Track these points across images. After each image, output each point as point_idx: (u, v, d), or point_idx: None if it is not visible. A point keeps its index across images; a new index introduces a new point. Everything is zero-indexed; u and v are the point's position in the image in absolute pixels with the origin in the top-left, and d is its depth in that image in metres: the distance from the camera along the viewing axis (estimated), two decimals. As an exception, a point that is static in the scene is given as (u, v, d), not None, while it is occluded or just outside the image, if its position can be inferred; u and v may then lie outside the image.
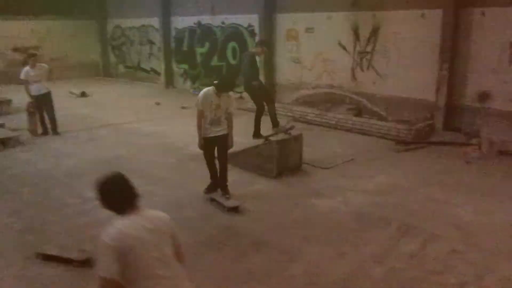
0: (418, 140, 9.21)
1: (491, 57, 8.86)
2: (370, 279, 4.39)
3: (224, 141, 6.17)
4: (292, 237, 5.25)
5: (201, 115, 5.98)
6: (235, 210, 5.90)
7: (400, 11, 10.16)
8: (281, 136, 7.44)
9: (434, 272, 4.47)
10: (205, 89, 6.04)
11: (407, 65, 10.22)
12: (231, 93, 6.21)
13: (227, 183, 6.40)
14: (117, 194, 2.72)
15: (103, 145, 9.32)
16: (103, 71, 20.62)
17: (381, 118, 10.66)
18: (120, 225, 2.64)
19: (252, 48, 9.55)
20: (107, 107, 13.19)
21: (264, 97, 9.15)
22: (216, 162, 6.44)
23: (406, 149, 8.75)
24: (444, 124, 9.52)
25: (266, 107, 9.44)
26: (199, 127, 6.05)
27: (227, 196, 6.23)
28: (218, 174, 6.35)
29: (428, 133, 9.50)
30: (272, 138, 7.40)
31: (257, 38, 13.36)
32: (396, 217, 5.75)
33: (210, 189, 6.43)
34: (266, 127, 9.35)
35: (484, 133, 8.96)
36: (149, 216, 2.77)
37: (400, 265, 4.60)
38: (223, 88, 5.97)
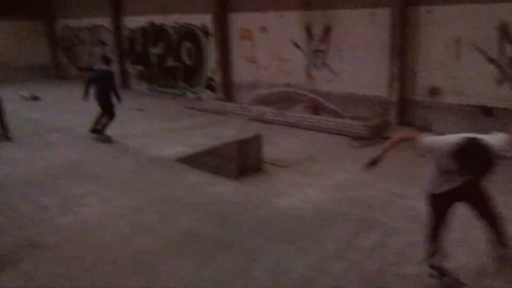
0: (374, 136, 9.47)
1: (439, 53, 9.23)
2: (332, 274, 4.48)
3: (475, 187, 3.82)
4: (255, 237, 5.28)
5: (413, 143, 3.98)
6: None
7: (351, 10, 10.39)
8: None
9: (394, 264, 4.62)
10: (453, 139, 3.61)
11: (359, 62, 10.48)
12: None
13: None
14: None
15: (59, 150, 9.02)
16: (54, 73, 19.94)
17: (337, 115, 10.88)
18: None
19: (103, 66, 9.80)
20: (60, 110, 12.77)
21: (112, 110, 9.60)
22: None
23: (363, 145, 8.98)
24: (398, 119, 9.84)
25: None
26: (393, 143, 4.22)
27: None
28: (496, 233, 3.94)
29: (383, 128, 9.79)
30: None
31: (210, 38, 13.34)
32: (356, 212, 5.89)
33: (434, 255, 4.21)
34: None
35: (436, 127, 9.34)
36: None
37: (361, 259, 4.73)
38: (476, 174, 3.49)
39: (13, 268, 4.75)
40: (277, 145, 8.99)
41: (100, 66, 9.98)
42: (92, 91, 9.57)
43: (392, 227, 5.44)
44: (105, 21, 16.89)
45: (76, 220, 5.83)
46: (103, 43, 17.53)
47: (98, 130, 9.69)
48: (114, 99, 9.62)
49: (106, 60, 10.04)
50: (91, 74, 10.31)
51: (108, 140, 9.61)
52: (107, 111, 9.59)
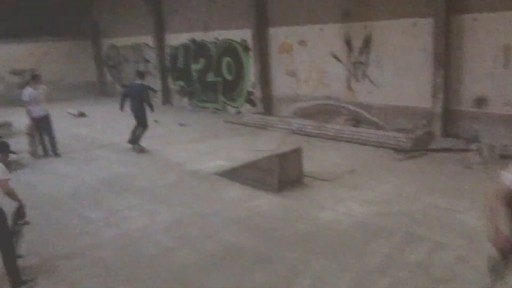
0: (417, 147, 9.21)
1: (485, 61, 8.91)
2: (377, 291, 4.35)
3: None
4: (296, 251, 5.21)
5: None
6: None
7: (391, 21, 10.23)
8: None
9: (442, 281, 4.43)
10: None
11: (401, 73, 10.27)
12: None
13: None
14: None
15: (103, 165, 9.29)
16: (100, 91, 20.66)
17: (379, 127, 10.67)
18: None
19: (138, 80, 10.49)
20: (106, 127, 13.16)
21: (145, 121, 10.25)
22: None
23: (406, 157, 8.75)
24: (443, 130, 9.54)
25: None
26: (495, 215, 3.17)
27: None
28: None
29: (427, 140, 9.50)
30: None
31: (251, 53, 13.46)
32: (400, 226, 5.72)
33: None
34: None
35: (484, 138, 8.97)
36: None
37: (406, 275, 4.56)
38: None
39: (59, 279, 4.89)
40: (318, 158, 8.90)
41: (135, 80, 10.67)
42: (128, 104, 10.24)
43: (439, 242, 5.23)
44: (148, 39, 17.39)
45: (119, 233, 5.96)
46: (146, 61, 18.04)
47: (133, 141, 10.27)
48: (147, 111, 10.22)
49: (140, 75, 10.76)
50: (126, 88, 11.10)
51: (142, 150, 10.16)
52: (141, 122, 10.20)
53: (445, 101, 9.48)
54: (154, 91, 11.93)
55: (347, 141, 10.21)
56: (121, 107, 10.33)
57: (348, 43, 11.18)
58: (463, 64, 9.25)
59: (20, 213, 5.00)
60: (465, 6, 9.03)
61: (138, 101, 10.13)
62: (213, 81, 15.19)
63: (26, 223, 5.09)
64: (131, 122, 10.14)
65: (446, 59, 9.33)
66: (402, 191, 6.95)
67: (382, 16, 10.38)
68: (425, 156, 8.86)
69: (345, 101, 11.53)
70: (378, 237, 5.44)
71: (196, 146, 10.46)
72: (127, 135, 10.37)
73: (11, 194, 4.82)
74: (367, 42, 10.79)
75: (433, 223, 5.77)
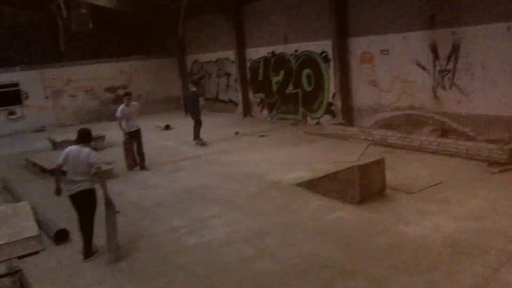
0: (512, 160, 8.54)
1: None
2: (469, 312, 4.08)
3: None
4: (379, 266, 5.04)
5: None
6: None
7: (483, 26, 9.64)
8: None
9: (543, 305, 4.06)
10: None
11: (494, 81, 9.62)
12: None
13: None
14: None
15: (187, 175, 9.66)
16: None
17: (469, 138, 10.06)
18: None
19: (192, 88, 12.96)
20: (190, 139, 13.68)
21: (199, 120, 12.64)
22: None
23: (500, 170, 8.13)
24: (542, 141, 8.78)
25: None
26: None
27: None
28: None
29: (524, 152, 8.79)
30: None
31: (331, 63, 13.36)
32: (494, 244, 5.31)
33: None
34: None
35: None
36: None
37: (503, 297, 4.23)
38: None
39: (148, 284, 5.13)
40: (401, 170, 8.57)
41: (192, 89, 13.02)
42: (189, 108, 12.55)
43: (539, 262, 4.80)
44: (229, 54, 17.94)
45: (202, 241, 6.15)
46: (228, 74, 18.58)
47: (195, 137, 12.57)
48: (199, 113, 12.58)
49: (195, 83, 13.73)
50: (185, 96, 13.75)
51: (204, 143, 12.45)
52: (196, 121, 12.54)
53: (545, 110, 8.74)
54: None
55: (433, 153, 9.72)
56: (185, 111, 12.76)
57: (434, 50, 10.71)
58: None
59: (109, 203, 5.79)
60: None
61: (193, 105, 12.51)
62: (292, 92, 15.26)
63: (117, 212, 5.91)
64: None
65: (546, 64, 8.62)
66: (495, 206, 6.47)
67: (471, 21, 9.81)
68: (522, 169, 8.19)
69: (430, 110, 11.02)
70: (469, 255, 5.10)
71: (276, 157, 10.53)
72: (209, 147, 10.65)
73: (104, 179, 5.82)
74: (455, 49, 10.25)
75: (533, 241, 5.31)
